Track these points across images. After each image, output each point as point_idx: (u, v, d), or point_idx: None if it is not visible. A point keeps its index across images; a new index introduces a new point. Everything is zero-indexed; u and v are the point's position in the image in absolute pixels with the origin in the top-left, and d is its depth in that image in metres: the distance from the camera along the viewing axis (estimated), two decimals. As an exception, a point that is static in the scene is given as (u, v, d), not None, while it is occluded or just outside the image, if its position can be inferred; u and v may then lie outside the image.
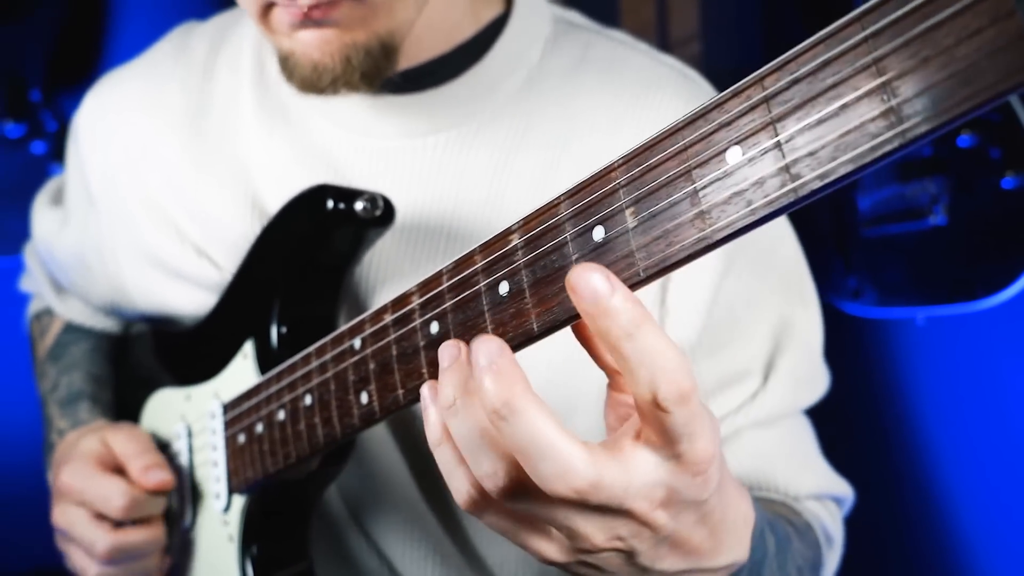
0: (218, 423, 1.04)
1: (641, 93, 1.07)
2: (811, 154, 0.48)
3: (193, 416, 1.12)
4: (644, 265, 0.56)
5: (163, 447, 1.17)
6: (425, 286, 0.72)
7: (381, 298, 1.07)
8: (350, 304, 1.07)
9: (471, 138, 1.06)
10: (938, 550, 1.73)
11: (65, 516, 1.09)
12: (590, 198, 0.60)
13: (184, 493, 1.13)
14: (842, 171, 0.47)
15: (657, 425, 0.55)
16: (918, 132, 0.44)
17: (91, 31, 2.40)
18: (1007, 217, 1.44)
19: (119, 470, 1.10)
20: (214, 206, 1.13)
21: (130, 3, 2.41)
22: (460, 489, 0.64)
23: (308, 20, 0.89)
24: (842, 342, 1.84)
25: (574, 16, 1.18)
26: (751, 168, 0.51)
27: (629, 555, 0.62)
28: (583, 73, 1.09)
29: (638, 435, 0.59)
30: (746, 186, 0.51)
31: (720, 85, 1.14)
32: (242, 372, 1.04)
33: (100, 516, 1.07)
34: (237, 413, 1.01)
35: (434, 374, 0.71)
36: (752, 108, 0.51)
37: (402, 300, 0.74)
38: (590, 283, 0.53)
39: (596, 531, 0.60)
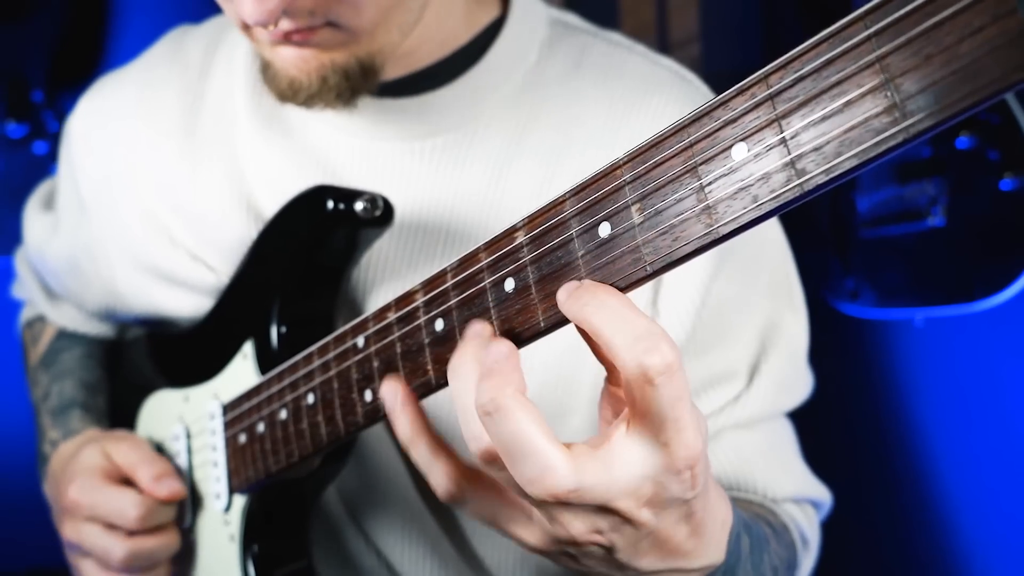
0: (218, 423, 1.04)
1: (638, 95, 1.08)
2: (816, 149, 0.49)
3: (192, 417, 1.12)
4: (651, 260, 0.57)
5: (161, 449, 1.17)
6: (429, 284, 0.72)
7: (378, 299, 1.07)
8: (347, 305, 1.08)
9: (468, 141, 1.06)
10: (937, 550, 1.73)
11: (77, 531, 1.08)
12: (596, 195, 0.60)
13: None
14: (847, 166, 0.48)
15: (644, 406, 0.56)
16: (921, 127, 0.45)
17: (93, 32, 2.40)
18: (1005, 218, 1.45)
19: (126, 481, 1.09)
20: (209, 209, 1.13)
21: (132, 4, 2.41)
22: (439, 482, 0.68)
23: (286, 40, 0.90)
24: (841, 343, 1.85)
25: (571, 18, 1.18)
26: (756, 164, 0.52)
27: (608, 550, 0.64)
28: (580, 76, 1.09)
29: (628, 426, 0.60)
30: (752, 181, 0.52)
31: (720, 87, 1.14)
32: (242, 372, 1.04)
33: (113, 527, 1.07)
34: (237, 413, 1.01)
35: (439, 371, 0.71)
36: (757, 105, 0.52)
37: (406, 298, 0.75)
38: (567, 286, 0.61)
39: (576, 524, 0.62)
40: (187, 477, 1.12)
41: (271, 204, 1.09)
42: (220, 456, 1.04)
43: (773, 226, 1.13)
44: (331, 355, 0.84)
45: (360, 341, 0.80)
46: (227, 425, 1.03)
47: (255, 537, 1.03)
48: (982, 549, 1.66)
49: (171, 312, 1.18)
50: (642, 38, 1.20)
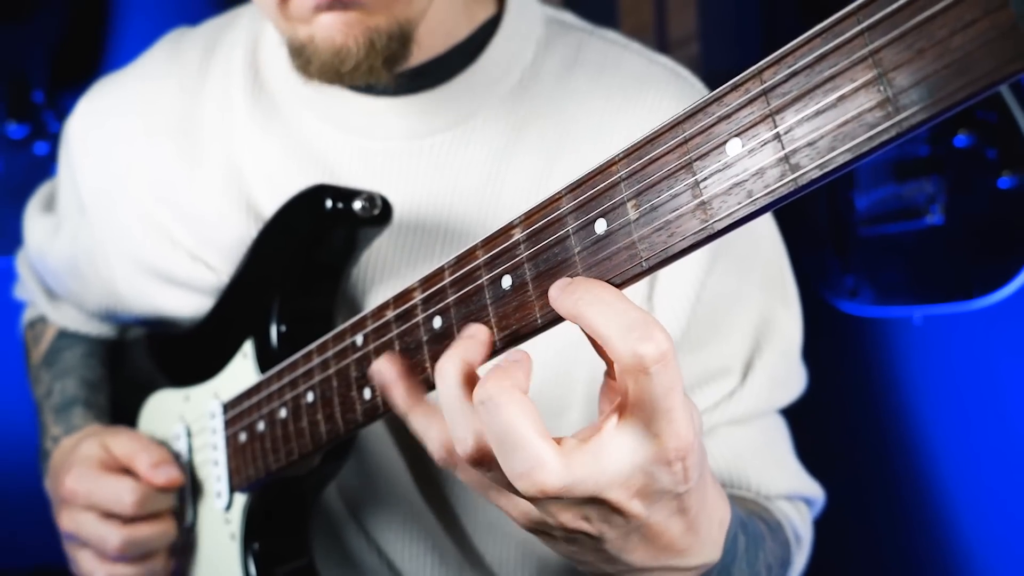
0: (218, 422, 1.05)
1: (633, 92, 1.08)
2: (810, 144, 0.49)
3: (192, 416, 1.13)
4: (647, 256, 0.57)
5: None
6: (427, 281, 0.73)
7: (376, 298, 1.08)
8: (346, 304, 1.08)
9: (466, 140, 1.06)
10: (935, 548, 1.73)
11: (74, 520, 1.08)
12: (591, 192, 0.60)
13: (185, 493, 1.13)
14: (840, 160, 0.48)
15: (638, 395, 0.56)
16: (914, 121, 0.45)
17: (94, 32, 2.40)
18: (1003, 216, 1.45)
19: (124, 472, 1.10)
20: (208, 210, 1.13)
21: (132, 5, 2.41)
22: (434, 447, 0.68)
23: (335, 2, 0.90)
24: (839, 341, 1.85)
25: (567, 16, 1.19)
26: (751, 159, 0.52)
27: (597, 540, 0.64)
28: (576, 73, 1.10)
29: (620, 416, 0.60)
30: (746, 177, 0.52)
31: (718, 86, 1.15)
32: (242, 371, 1.05)
33: (110, 515, 1.07)
34: (238, 412, 1.01)
35: None
36: (751, 101, 0.52)
37: (404, 296, 0.75)
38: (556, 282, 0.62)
39: (563, 514, 0.62)
40: (188, 476, 1.13)
41: (270, 203, 1.10)
42: (221, 455, 1.04)
43: (766, 222, 1.13)
44: (330, 353, 0.84)
45: (359, 339, 0.80)
46: (227, 424, 1.03)
47: (256, 535, 1.04)
48: (980, 546, 1.66)
49: (171, 312, 1.18)
50: (641, 37, 1.21)
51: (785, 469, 1.10)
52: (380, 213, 0.98)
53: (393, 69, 0.96)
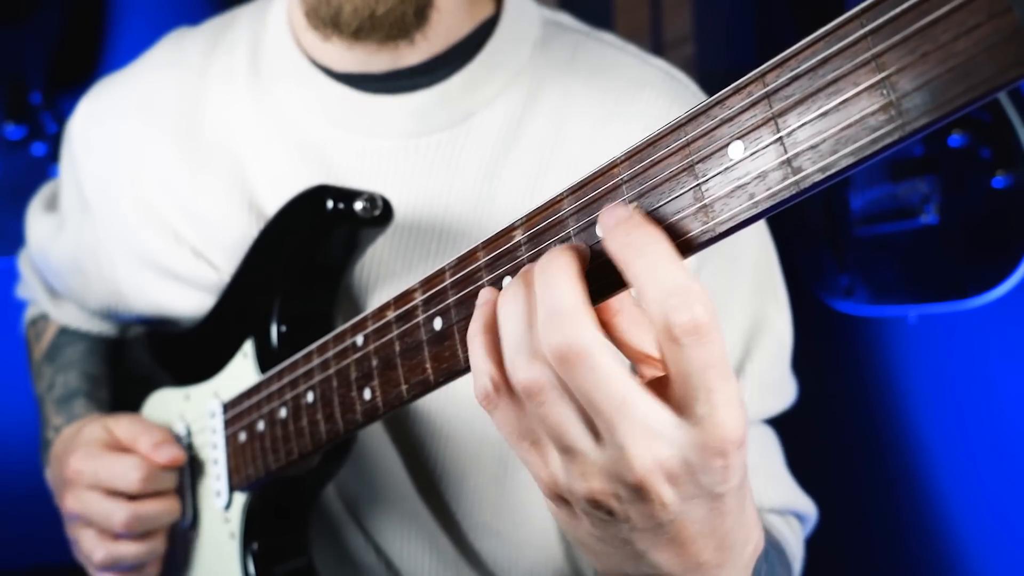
0: (218, 422, 1.05)
1: (628, 93, 1.09)
2: (812, 147, 0.49)
3: (192, 416, 1.13)
4: None
5: None
6: (428, 282, 0.73)
7: (374, 297, 1.08)
8: (343, 304, 1.08)
9: (462, 139, 1.07)
10: (930, 547, 1.74)
11: (78, 499, 1.08)
12: (593, 193, 0.61)
13: (184, 492, 1.13)
14: (843, 163, 0.48)
15: (673, 368, 0.54)
16: (917, 125, 0.45)
17: (91, 34, 2.40)
18: (998, 216, 1.46)
19: (126, 451, 1.09)
20: (211, 208, 1.14)
21: (130, 6, 2.41)
22: (481, 381, 0.62)
23: None
24: (834, 340, 1.86)
25: (563, 18, 1.19)
26: (753, 162, 0.52)
27: (620, 524, 0.59)
28: (572, 74, 1.10)
29: (662, 389, 0.56)
30: (748, 180, 0.52)
31: (714, 87, 1.15)
32: (242, 371, 1.05)
33: (115, 493, 1.07)
34: (238, 411, 1.01)
35: (437, 369, 0.71)
36: (754, 104, 0.52)
37: (405, 296, 0.75)
38: (615, 210, 0.57)
39: (597, 475, 0.58)
40: (188, 475, 1.13)
41: (272, 201, 1.10)
42: (220, 454, 1.04)
43: (759, 226, 1.13)
44: (330, 353, 0.84)
45: (359, 339, 0.80)
46: (227, 423, 1.03)
47: (255, 534, 1.04)
48: (976, 545, 1.67)
49: (173, 309, 1.18)
50: (636, 38, 1.21)
51: (778, 482, 1.08)
52: (381, 214, 0.98)
53: (418, 26, 1.00)
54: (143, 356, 1.29)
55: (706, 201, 0.54)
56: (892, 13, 0.46)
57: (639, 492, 0.56)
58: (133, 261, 1.19)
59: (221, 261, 1.13)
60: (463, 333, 0.69)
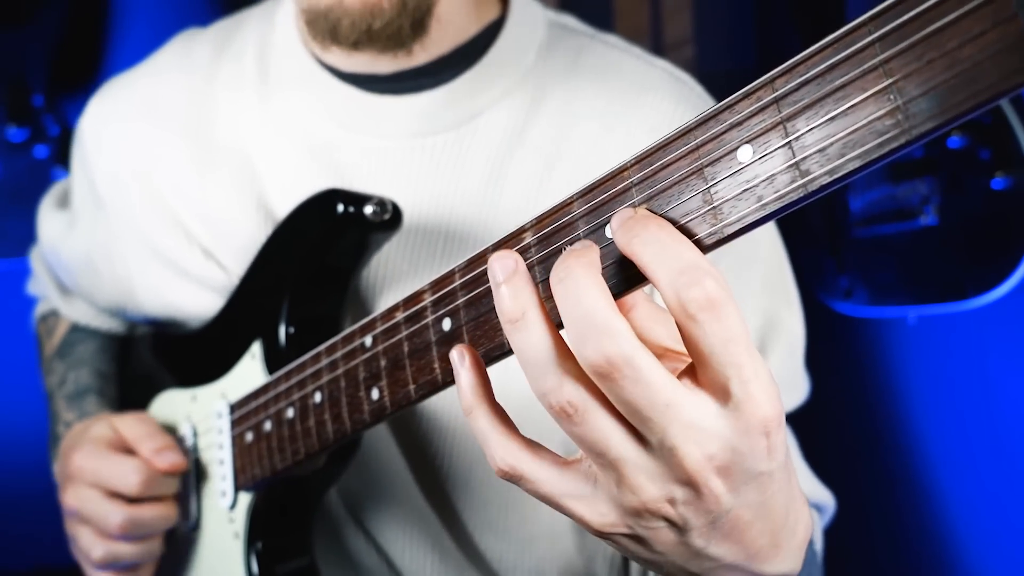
0: (225, 422, 1.05)
1: (634, 95, 1.10)
2: (820, 151, 0.50)
3: (199, 416, 1.13)
4: None
5: None
6: (437, 284, 0.73)
7: (380, 296, 1.09)
8: (350, 305, 1.09)
9: (468, 140, 1.08)
10: (929, 547, 1.74)
11: (78, 496, 1.08)
12: (603, 196, 0.61)
13: (189, 491, 1.14)
14: (850, 167, 0.49)
15: (696, 350, 0.53)
16: (924, 129, 0.46)
17: (93, 36, 2.40)
18: (997, 217, 1.46)
19: (130, 452, 1.10)
20: (220, 209, 1.14)
21: (132, 9, 2.41)
22: (498, 454, 0.62)
23: None
24: (834, 341, 1.86)
25: (568, 20, 1.20)
26: (762, 165, 0.53)
27: (681, 530, 0.58)
28: (577, 77, 1.11)
29: (692, 378, 0.56)
30: (757, 182, 0.53)
31: (714, 88, 1.17)
32: (250, 372, 1.05)
33: (114, 494, 1.07)
34: (245, 412, 1.02)
35: (445, 369, 0.72)
36: (763, 109, 0.53)
37: (414, 298, 0.75)
38: (620, 212, 0.58)
39: (649, 488, 0.57)
40: (193, 475, 1.13)
41: (281, 201, 1.11)
42: (226, 454, 1.05)
43: (768, 226, 1.14)
44: (339, 354, 0.85)
45: (368, 340, 0.81)
46: (234, 424, 1.04)
47: (259, 534, 1.04)
48: (974, 545, 1.67)
49: (183, 308, 1.19)
50: (636, 40, 1.22)
51: (798, 474, 1.08)
52: (390, 218, 0.99)
53: (416, 36, 1.01)
54: (150, 357, 1.30)
55: (715, 203, 0.55)
56: (899, 20, 0.47)
57: (693, 490, 0.56)
58: (145, 258, 1.20)
59: (230, 262, 1.14)
60: (472, 333, 0.69)
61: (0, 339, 2.27)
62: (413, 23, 1.00)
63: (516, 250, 0.67)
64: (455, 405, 1.09)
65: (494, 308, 0.67)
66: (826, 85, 0.50)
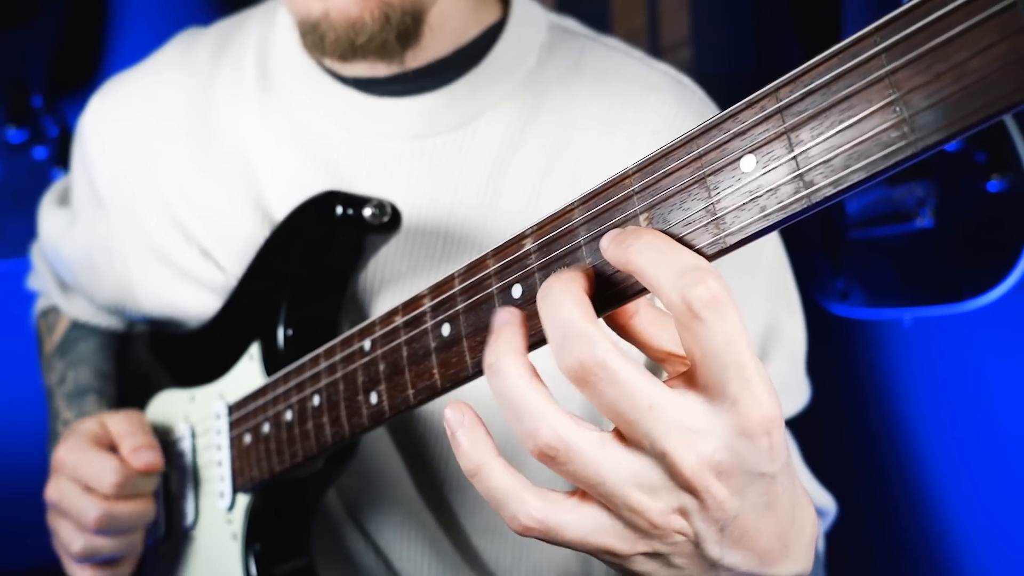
0: (223, 424, 1.05)
1: (634, 98, 1.09)
2: (825, 162, 0.50)
3: (197, 417, 1.13)
4: None
5: (166, 447, 1.18)
6: (437, 289, 0.73)
7: (379, 297, 1.09)
8: (349, 306, 1.09)
9: (468, 141, 1.08)
10: (926, 550, 1.75)
11: (58, 488, 1.08)
12: (604, 204, 0.61)
13: (187, 492, 1.14)
14: (855, 179, 0.49)
15: (699, 351, 0.52)
16: (930, 142, 0.46)
17: (93, 37, 2.40)
18: (993, 219, 1.46)
19: (113, 448, 1.09)
20: (219, 209, 1.14)
21: (131, 10, 2.41)
22: (520, 512, 0.59)
23: None
24: (830, 343, 1.86)
25: (569, 23, 1.20)
26: (765, 176, 0.52)
27: (695, 542, 0.57)
28: (578, 79, 1.11)
29: (689, 382, 0.55)
30: (760, 192, 0.53)
31: (711, 90, 1.17)
32: (248, 374, 1.05)
33: (91, 489, 1.06)
34: (243, 414, 1.02)
35: (445, 375, 0.72)
36: (767, 118, 0.53)
37: (414, 302, 0.75)
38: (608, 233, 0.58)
39: (652, 505, 0.56)
40: (191, 476, 1.13)
41: (280, 202, 1.11)
42: (224, 456, 1.05)
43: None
44: (337, 358, 0.84)
45: (367, 344, 0.80)
46: (232, 425, 1.04)
47: (257, 536, 1.04)
48: (971, 547, 1.68)
49: (181, 307, 1.19)
50: (634, 42, 1.22)
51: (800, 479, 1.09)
52: (389, 220, 0.99)
53: (406, 47, 0.99)
54: (149, 356, 1.29)
55: (717, 213, 0.55)
56: (907, 31, 0.46)
57: (695, 496, 0.55)
58: (145, 256, 1.20)
59: (228, 262, 1.14)
60: (471, 340, 0.69)
61: (0, 339, 2.27)
62: (399, 35, 0.98)
63: (516, 256, 0.66)
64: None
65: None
66: (831, 96, 0.50)
